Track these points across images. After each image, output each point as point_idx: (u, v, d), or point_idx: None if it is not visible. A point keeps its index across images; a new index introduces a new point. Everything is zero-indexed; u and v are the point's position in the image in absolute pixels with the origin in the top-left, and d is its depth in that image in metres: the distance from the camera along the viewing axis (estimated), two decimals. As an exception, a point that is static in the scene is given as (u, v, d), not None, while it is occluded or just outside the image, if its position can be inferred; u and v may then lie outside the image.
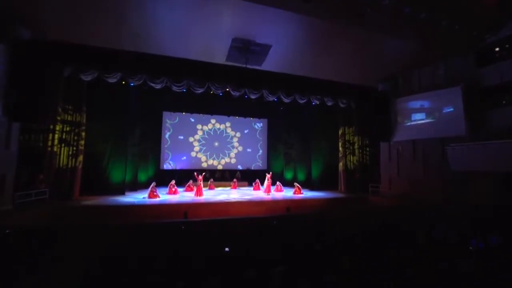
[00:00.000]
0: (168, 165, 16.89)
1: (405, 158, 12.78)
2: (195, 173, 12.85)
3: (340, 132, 15.44)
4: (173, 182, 12.89)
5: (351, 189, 14.64)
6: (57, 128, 10.26)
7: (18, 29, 8.73)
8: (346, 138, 15.35)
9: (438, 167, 11.36)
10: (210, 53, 11.02)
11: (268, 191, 13.63)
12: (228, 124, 18.53)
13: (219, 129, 18.34)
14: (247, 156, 18.82)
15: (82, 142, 11.15)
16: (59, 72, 10.00)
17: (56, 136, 10.23)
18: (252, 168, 18.73)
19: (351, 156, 15.28)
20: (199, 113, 17.74)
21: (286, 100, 13.66)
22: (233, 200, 11.59)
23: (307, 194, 13.83)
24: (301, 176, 17.14)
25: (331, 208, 11.73)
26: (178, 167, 16.99)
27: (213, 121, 18.19)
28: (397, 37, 10.07)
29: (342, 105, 14.71)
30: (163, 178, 14.47)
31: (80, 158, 11.03)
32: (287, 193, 14.23)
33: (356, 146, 15.15)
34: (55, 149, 10.16)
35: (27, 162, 9.35)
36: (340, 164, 15.21)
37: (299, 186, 13.85)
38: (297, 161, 17.88)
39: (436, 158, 11.56)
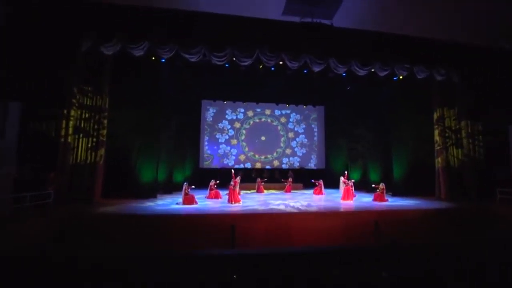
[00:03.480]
0: (208, 163, 14.41)
1: None
2: (233, 171, 10.05)
3: (436, 116, 11.11)
4: (213, 182, 10.13)
5: (456, 194, 10.24)
6: (73, 113, 8.14)
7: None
8: (446, 124, 10.97)
9: None
10: (259, 4, 7.95)
11: (346, 197, 10.03)
12: (277, 113, 15.43)
13: (266, 120, 15.33)
14: (300, 153, 15.49)
15: (104, 132, 8.93)
16: (75, 40, 7.83)
17: (71, 123, 8.11)
18: (307, 168, 15.35)
19: (455, 149, 10.85)
20: (243, 101, 14.89)
21: (361, 73, 9.93)
22: (296, 210, 8.32)
23: (391, 201, 9.95)
24: (374, 176, 13.12)
25: (446, 227, 7.70)
26: (220, 166, 14.39)
27: (259, 110, 15.22)
28: None
29: (439, 78, 10.39)
30: (203, 178, 11.90)
31: (102, 151, 8.84)
32: (362, 198, 10.54)
33: (463, 135, 10.71)
34: (69, 139, 8.06)
35: (35, 156, 7.34)
36: (438, 160, 10.87)
37: (384, 188, 9.94)
38: (368, 158, 13.85)
39: None
